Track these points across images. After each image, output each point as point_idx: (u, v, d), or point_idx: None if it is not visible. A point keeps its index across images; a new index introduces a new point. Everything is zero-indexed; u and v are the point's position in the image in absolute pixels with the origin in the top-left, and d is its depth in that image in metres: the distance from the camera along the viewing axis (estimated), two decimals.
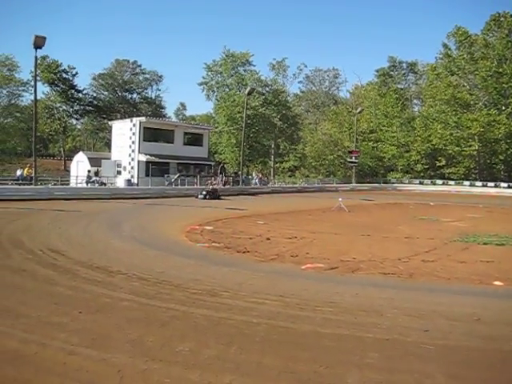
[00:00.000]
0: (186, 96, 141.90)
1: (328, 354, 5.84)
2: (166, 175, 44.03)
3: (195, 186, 42.22)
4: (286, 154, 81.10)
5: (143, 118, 47.86)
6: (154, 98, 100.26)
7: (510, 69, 65.32)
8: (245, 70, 74.57)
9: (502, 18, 67.83)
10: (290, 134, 78.50)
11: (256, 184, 51.51)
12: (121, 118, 63.92)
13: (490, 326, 7.42)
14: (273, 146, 75.97)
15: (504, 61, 66.42)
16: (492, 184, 63.28)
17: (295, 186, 58.09)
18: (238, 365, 5.36)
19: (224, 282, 9.94)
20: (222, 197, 36.96)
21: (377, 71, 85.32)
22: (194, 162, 48.86)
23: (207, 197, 35.27)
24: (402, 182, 68.93)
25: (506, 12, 67.77)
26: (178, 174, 44.24)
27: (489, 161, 69.60)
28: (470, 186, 64.04)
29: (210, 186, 39.62)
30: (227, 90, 73.14)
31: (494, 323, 7.60)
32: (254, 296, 8.65)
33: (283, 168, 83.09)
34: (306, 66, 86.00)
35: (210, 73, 75.25)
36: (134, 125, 45.47)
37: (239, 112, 62.57)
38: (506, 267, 13.02)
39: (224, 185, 45.63)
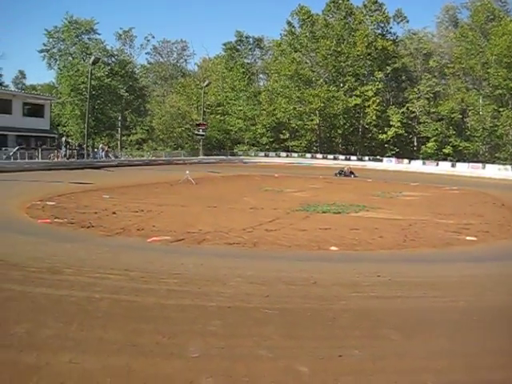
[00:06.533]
0: (25, 63, 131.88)
1: (171, 324, 5.87)
2: (3, 148, 40.95)
3: (36, 160, 39.84)
4: (134, 126, 79.17)
5: None
6: None
7: (346, 48, 69.54)
8: (89, 39, 71.41)
9: (340, 1, 71.65)
10: (137, 106, 76.76)
11: (102, 157, 49.84)
12: None
13: (325, 288, 7.94)
14: (119, 118, 73.83)
15: (342, 41, 70.51)
16: (331, 156, 67.19)
17: (143, 159, 56.98)
18: (78, 342, 5.20)
19: (66, 258, 9.52)
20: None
21: (224, 45, 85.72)
22: (34, 134, 46.05)
23: None
24: (248, 155, 70.59)
25: None
26: (17, 147, 41.25)
27: (328, 134, 73.74)
28: (312, 158, 67.49)
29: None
30: (70, 58, 69.41)
31: (329, 285, 8.15)
32: (97, 271, 8.40)
33: (130, 141, 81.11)
34: (153, 37, 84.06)
35: (51, 39, 70.81)
36: None
37: (83, 82, 59.64)
38: (341, 233, 13.98)
39: (68, 158, 43.71)
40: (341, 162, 63.40)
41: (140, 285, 7.69)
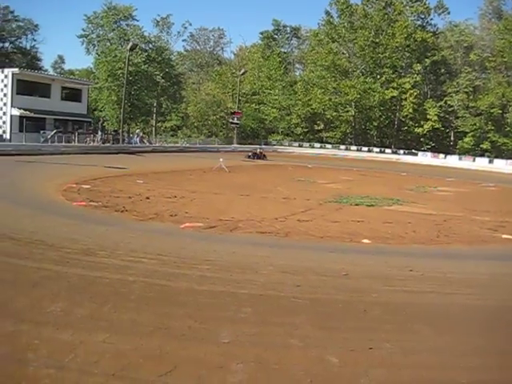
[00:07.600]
0: (64, 48, 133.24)
1: (203, 310, 5.94)
2: (41, 131, 41.68)
3: (73, 144, 40.52)
4: (169, 113, 79.46)
5: (16, 70, 44.16)
6: (29, 48, 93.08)
7: (385, 40, 68.45)
8: (127, 25, 71.63)
9: None
10: (172, 93, 76.93)
11: (136, 143, 50.34)
12: None
13: (356, 280, 7.91)
14: (155, 104, 74.14)
15: (380, 32, 69.41)
16: (366, 149, 66.53)
17: (177, 145, 57.36)
18: (111, 323, 5.31)
19: (101, 241, 9.70)
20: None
21: (261, 34, 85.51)
22: (72, 118, 46.81)
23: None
24: (282, 145, 70.46)
25: None
26: (54, 131, 41.94)
27: (363, 126, 72.93)
28: (346, 149, 66.96)
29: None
30: (108, 44, 69.79)
31: (360, 278, 8.11)
32: (130, 255, 8.53)
33: (165, 127, 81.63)
34: (190, 25, 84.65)
35: (90, 25, 71.32)
36: (5, 76, 42.30)
37: (121, 68, 60.02)
38: (374, 226, 13.87)
39: (103, 143, 44.32)
40: (376, 155, 62.88)
41: (173, 270, 7.79)
